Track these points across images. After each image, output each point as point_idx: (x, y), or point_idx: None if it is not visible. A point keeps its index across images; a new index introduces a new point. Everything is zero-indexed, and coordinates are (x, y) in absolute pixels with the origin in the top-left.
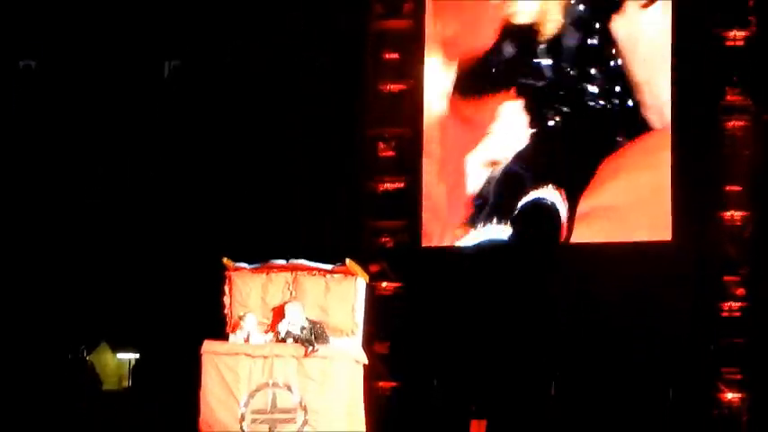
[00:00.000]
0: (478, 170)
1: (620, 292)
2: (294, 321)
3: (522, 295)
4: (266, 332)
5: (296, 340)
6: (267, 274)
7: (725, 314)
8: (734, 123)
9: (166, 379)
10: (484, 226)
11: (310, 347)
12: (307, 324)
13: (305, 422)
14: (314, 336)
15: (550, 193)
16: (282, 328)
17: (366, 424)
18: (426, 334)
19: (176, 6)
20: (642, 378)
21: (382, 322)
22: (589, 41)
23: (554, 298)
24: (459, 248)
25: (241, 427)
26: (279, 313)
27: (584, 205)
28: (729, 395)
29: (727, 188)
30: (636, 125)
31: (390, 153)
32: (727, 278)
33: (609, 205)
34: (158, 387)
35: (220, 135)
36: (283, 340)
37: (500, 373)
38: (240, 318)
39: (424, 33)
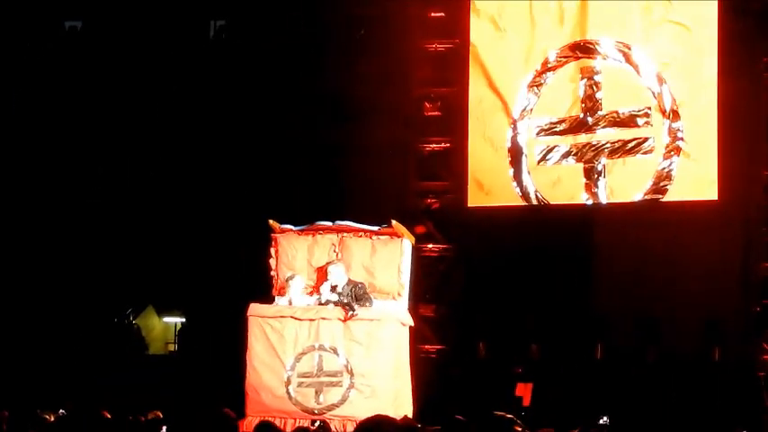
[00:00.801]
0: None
1: (665, 253)
2: (336, 283)
3: (568, 256)
4: (311, 294)
5: (336, 304)
6: (313, 235)
7: None
8: None
9: (212, 343)
10: None
11: (350, 312)
12: (347, 287)
13: (351, 385)
14: (354, 297)
15: None
16: (325, 289)
17: (412, 386)
18: (472, 296)
19: None
20: (687, 339)
21: (428, 284)
22: None
23: (599, 258)
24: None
25: (287, 391)
26: (323, 274)
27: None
28: None
29: None
30: None
31: (436, 113)
32: None
33: None
34: (204, 351)
35: (267, 94)
36: (326, 303)
37: (546, 335)
38: (288, 279)
39: None
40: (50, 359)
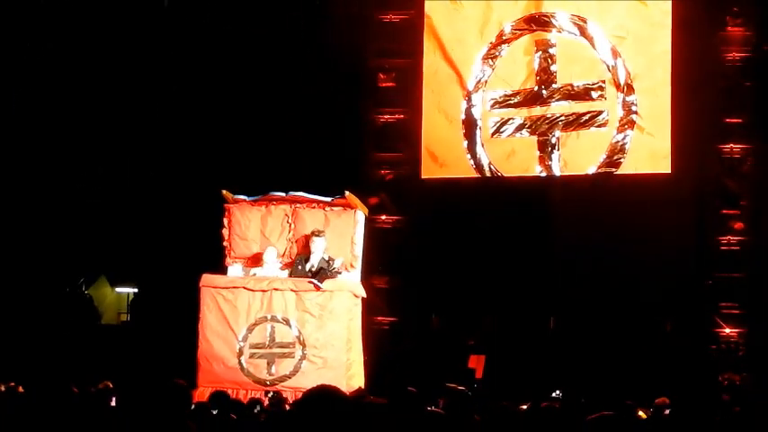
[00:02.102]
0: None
1: (618, 226)
2: (319, 255)
3: (521, 228)
4: (249, 265)
5: (310, 276)
6: (266, 206)
7: (724, 248)
8: (734, 54)
9: (165, 313)
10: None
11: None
12: (323, 260)
13: (303, 356)
14: (328, 271)
15: None
16: (316, 259)
17: (364, 358)
18: (425, 268)
19: None
20: (640, 312)
21: (381, 256)
22: None
23: (553, 231)
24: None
25: (239, 362)
26: (302, 245)
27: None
28: (727, 330)
29: (727, 120)
30: None
31: (390, 84)
32: (725, 212)
33: None
34: (157, 321)
35: (220, 66)
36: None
37: (499, 308)
38: (262, 252)
39: None
40: (3, 329)
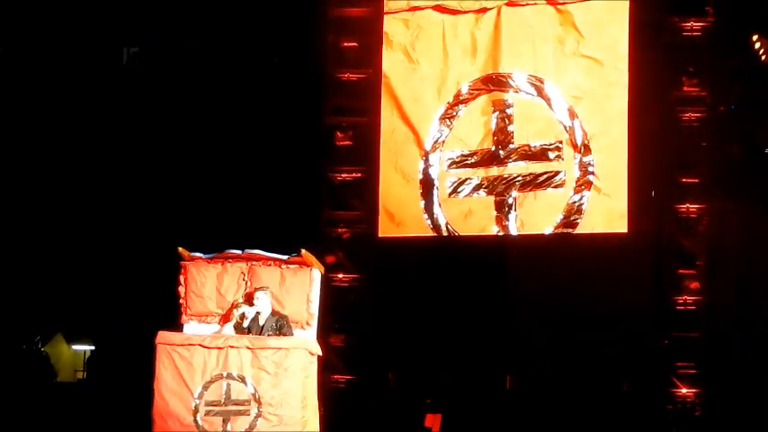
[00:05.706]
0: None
1: (575, 285)
2: (261, 310)
3: (478, 288)
4: (219, 322)
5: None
6: (223, 264)
7: (680, 308)
8: (690, 115)
9: (121, 371)
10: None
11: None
12: (271, 318)
13: (259, 414)
14: (278, 329)
15: None
16: (250, 313)
17: (320, 417)
18: (382, 326)
19: None
20: (596, 372)
21: (338, 314)
22: None
23: (509, 291)
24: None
25: (195, 419)
26: (248, 300)
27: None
28: (684, 390)
29: (683, 180)
30: None
31: (348, 142)
32: (682, 271)
33: None
34: (113, 379)
35: (177, 123)
36: (247, 328)
37: (455, 366)
38: (236, 306)
39: (383, 21)
40: None
